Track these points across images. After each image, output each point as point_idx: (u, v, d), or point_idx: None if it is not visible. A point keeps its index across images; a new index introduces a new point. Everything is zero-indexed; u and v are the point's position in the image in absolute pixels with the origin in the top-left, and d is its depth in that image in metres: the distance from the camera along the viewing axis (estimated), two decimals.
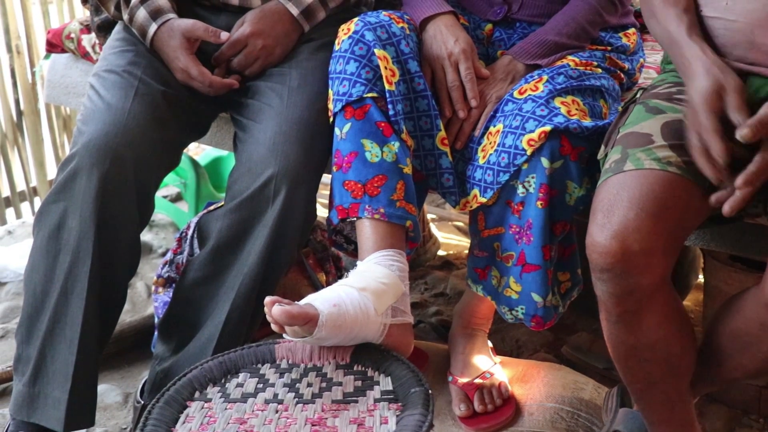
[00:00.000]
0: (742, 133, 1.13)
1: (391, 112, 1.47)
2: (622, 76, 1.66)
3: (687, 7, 1.33)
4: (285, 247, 1.52)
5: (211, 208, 1.67)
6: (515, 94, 1.49)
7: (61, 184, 1.49)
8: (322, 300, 1.29)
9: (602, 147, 1.37)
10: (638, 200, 1.19)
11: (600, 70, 1.57)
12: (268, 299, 1.24)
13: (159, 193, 2.67)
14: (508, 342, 2.12)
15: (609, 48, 1.66)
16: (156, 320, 1.87)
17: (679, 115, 1.30)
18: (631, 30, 1.73)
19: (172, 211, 2.70)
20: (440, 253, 2.63)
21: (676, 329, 1.27)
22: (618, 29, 1.71)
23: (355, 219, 1.45)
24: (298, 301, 1.29)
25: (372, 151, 1.45)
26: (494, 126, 1.48)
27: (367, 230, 1.44)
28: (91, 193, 1.46)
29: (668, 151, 1.24)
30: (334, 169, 1.50)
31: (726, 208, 1.14)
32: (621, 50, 1.68)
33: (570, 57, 1.58)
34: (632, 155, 1.25)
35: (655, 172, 1.22)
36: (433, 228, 2.70)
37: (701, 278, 2.26)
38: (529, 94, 1.46)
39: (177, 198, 2.85)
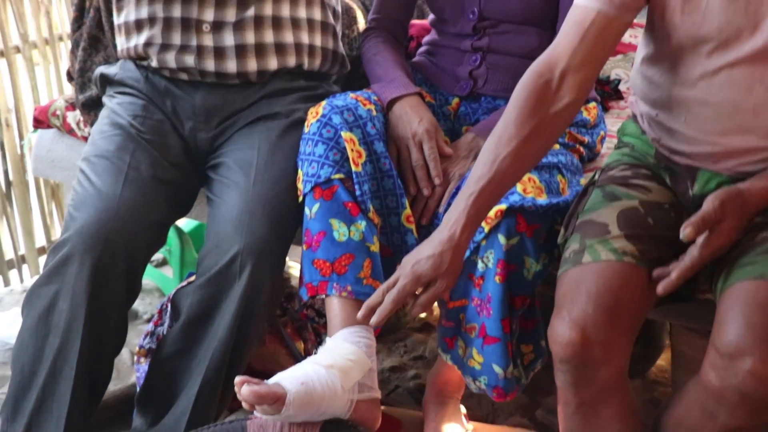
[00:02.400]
0: (684, 233, 1.22)
1: (357, 193, 1.54)
2: (582, 149, 1.74)
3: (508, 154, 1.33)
4: (253, 320, 1.57)
5: (184, 283, 1.72)
6: None
7: (53, 268, 1.55)
8: (290, 378, 1.34)
9: (562, 230, 1.44)
10: (596, 295, 1.26)
11: (558, 146, 1.64)
12: (237, 379, 1.30)
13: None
14: (485, 405, 2.16)
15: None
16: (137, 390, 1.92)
17: (634, 202, 1.37)
18: (592, 104, 1.80)
19: (158, 277, 2.76)
20: (421, 315, 2.68)
21: (630, 426, 1.32)
22: None
23: (324, 296, 1.51)
24: (278, 369, 1.35)
25: (340, 231, 1.52)
26: None
27: (335, 307, 1.50)
28: (84, 278, 1.52)
29: (624, 241, 1.32)
30: (304, 247, 1.56)
31: (659, 289, 1.23)
32: (581, 124, 1.76)
33: None
34: (590, 246, 1.32)
35: (612, 264, 1.29)
36: None
37: None
38: None
39: (162, 263, 2.91)
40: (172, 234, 2.61)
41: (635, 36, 2.44)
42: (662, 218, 1.37)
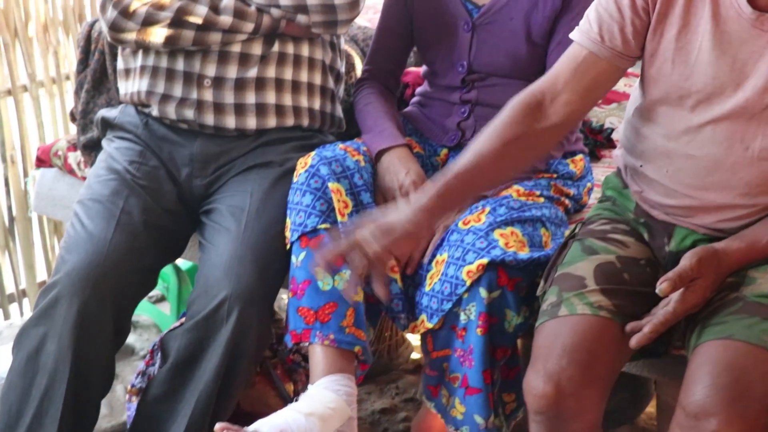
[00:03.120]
0: (660, 288, 1.26)
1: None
2: (567, 202, 1.77)
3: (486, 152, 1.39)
4: (240, 365, 1.60)
5: (177, 324, 1.75)
6: (460, 224, 1.59)
7: (42, 310, 1.59)
8: (269, 425, 1.37)
9: (542, 282, 1.47)
10: (571, 349, 1.29)
11: (542, 199, 1.68)
12: (217, 426, 1.33)
13: (150, 298, 2.76)
14: None
15: (555, 175, 1.76)
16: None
17: (611, 257, 1.41)
18: (579, 156, 1.84)
19: (155, 314, 2.79)
20: (413, 356, 2.70)
21: None
22: (567, 155, 1.82)
23: (307, 344, 1.54)
24: (266, 411, 1.38)
25: (324, 280, 1.55)
26: (441, 255, 1.58)
27: (317, 355, 1.53)
28: (71, 320, 1.56)
29: (600, 295, 1.35)
30: (290, 294, 1.59)
31: (632, 342, 1.28)
32: (567, 177, 1.79)
33: (515, 186, 1.69)
34: (566, 300, 1.35)
35: (587, 318, 1.32)
36: None
37: None
38: (472, 225, 1.56)
39: (160, 299, 2.94)
40: (169, 271, 2.64)
41: (629, 85, 2.48)
42: (638, 274, 1.40)
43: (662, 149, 1.41)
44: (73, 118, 2.26)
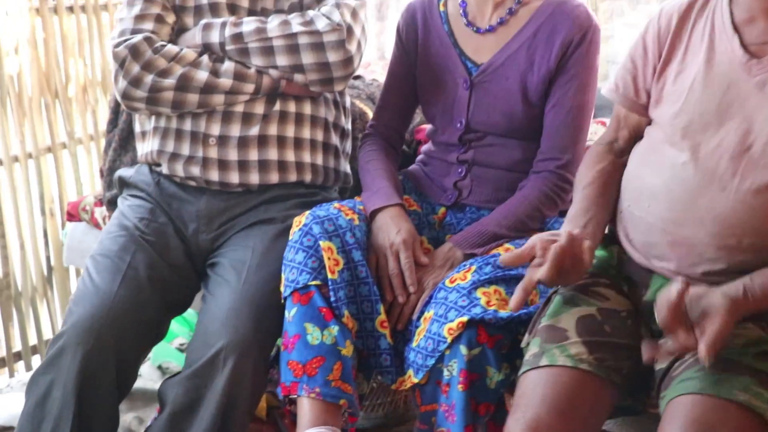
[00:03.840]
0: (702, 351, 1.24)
1: (332, 299, 1.63)
2: None
3: (588, 184, 1.53)
4: (236, 413, 1.66)
5: (173, 374, 1.82)
6: (447, 282, 1.63)
7: (50, 358, 1.68)
8: None
9: (527, 334, 1.51)
10: (550, 398, 1.32)
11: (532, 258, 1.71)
12: None
13: (172, 344, 2.85)
14: None
15: None
16: None
17: (592, 309, 1.44)
18: None
19: (181, 360, 2.89)
20: None
21: None
22: (562, 214, 1.85)
23: (295, 396, 1.60)
24: None
25: (313, 334, 1.61)
26: (428, 311, 1.63)
27: (304, 407, 1.58)
28: (75, 369, 1.64)
29: (581, 347, 1.38)
30: (282, 348, 1.66)
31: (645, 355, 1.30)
32: None
33: (506, 245, 1.73)
34: (548, 351, 1.39)
35: (567, 369, 1.36)
36: None
37: None
38: (457, 284, 1.61)
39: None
40: (194, 319, 2.74)
41: None
42: (619, 326, 1.43)
43: (648, 186, 1.45)
44: (102, 175, 2.39)
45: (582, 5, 1.79)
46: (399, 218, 1.75)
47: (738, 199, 1.34)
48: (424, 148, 2.04)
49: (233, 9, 1.87)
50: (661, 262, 1.44)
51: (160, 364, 2.77)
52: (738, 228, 1.34)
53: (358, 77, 2.78)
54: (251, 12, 1.88)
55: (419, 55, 1.91)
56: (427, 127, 2.05)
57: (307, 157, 1.91)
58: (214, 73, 1.80)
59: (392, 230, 1.72)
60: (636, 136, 1.55)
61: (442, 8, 1.88)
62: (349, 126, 2.08)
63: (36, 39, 2.73)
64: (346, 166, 2.06)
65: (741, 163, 1.34)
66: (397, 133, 2.01)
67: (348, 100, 2.09)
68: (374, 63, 3.24)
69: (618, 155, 1.58)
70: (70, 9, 2.83)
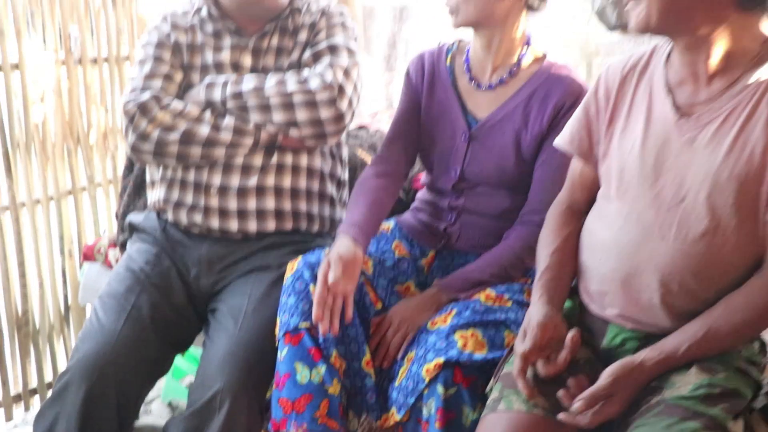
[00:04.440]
0: (575, 407, 1.39)
1: (321, 340, 1.74)
2: None
3: (555, 250, 1.62)
4: None
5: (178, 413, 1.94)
6: (429, 325, 1.74)
7: (56, 393, 1.80)
8: None
9: (492, 379, 1.60)
10: None
11: (510, 303, 1.80)
12: None
13: (182, 382, 2.96)
14: None
15: (529, 280, 1.89)
16: None
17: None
18: None
19: None
20: None
21: None
22: None
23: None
24: None
25: (302, 373, 1.71)
26: (411, 352, 1.73)
27: None
28: (78, 403, 1.76)
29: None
30: (274, 386, 1.76)
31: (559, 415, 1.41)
32: None
33: (488, 290, 1.83)
34: (506, 396, 1.48)
35: (522, 414, 1.45)
36: None
37: None
38: (438, 327, 1.71)
39: None
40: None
41: None
42: (576, 372, 1.51)
43: (599, 239, 1.56)
44: (117, 218, 2.53)
45: (576, 74, 1.91)
46: (340, 245, 1.79)
47: (676, 248, 1.43)
48: (419, 194, 2.15)
49: (236, 67, 2.01)
50: (614, 310, 1.53)
51: (169, 401, 2.87)
52: (678, 275, 1.43)
53: (362, 128, 2.92)
54: (253, 70, 2.01)
55: (424, 101, 2.02)
56: (423, 173, 2.16)
57: (303, 206, 2.03)
58: (216, 128, 1.93)
59: (331, 250, 1.79)
60: (592, 195, 1.64)
61: (448, 62, 2.01)
62: (345, 176, 2.20)
63: (61, 89, 2.88)
64: (342, 214, 2.17)
65: (677, 215, 1.43)
66: (401, 166, 2.05)
67: (345, 151, 2.21)
68: (382, 112, 3.37)
69: (579, 218, 1.66)
70: (94, 61, 2.99)
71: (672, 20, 1.38)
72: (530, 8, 1.91)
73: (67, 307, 3.05)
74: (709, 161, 1.39)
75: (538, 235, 1.84)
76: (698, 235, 1.42)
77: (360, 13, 3.72)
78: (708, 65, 1.41)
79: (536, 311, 1.54)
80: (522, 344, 1.50)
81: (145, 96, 1.94)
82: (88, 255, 2.58)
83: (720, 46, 1.39)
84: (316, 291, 1.72)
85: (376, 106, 3.59)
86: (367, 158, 2.52)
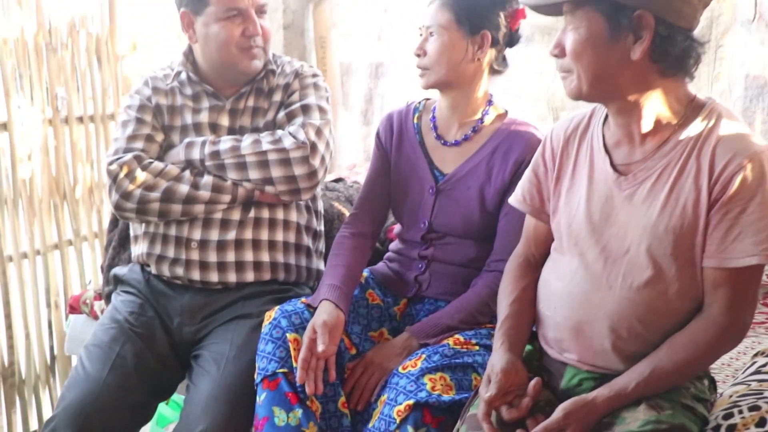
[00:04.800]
0: None
1: (297, 384, 1.83)
2: None
3: (513, 300, 1.72)
4: None
5: None
6: (400, 369, 1.83)
7: None
8: None
9: (458, 421, 1.69)
10: None
11: (478, 347, 1.89)
12: None
13: (167, 429, 3.02)
14: None
15: (495, 326, 1.99)
16: None
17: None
18: None
19: None
20: None
21: None
22: None
23: None
24: None
25: (279, 417, 1.80)
26: (383, 395, 1.81)
27: None
28: None
29: None
30: (254, 429, 1.84)
31: None
32: None
33: (456, 335, 1.92)
34: None
35: None
36: None
37: None
38: (408, 370, 1.80)
39: None
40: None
41: None
42: (536, 412, 1.59)
43: (553, 290, 1.66)
44: (102, 271, 2.62)
45: (535, 130, 2.04)
46: (322, 312, 1.89)
47: (623, 296, 1.54)
48: (391, 245, 2.26)
49: (214, 128, 2.13)
50: (570, 355, 1.63)
51: None
52: (626, 321, 1.54)
53: (339, 180, 3.03)
54: (231, 130, 2.13)
55: (393, 158, 2.14)
56: (396, 226, 2.28)
57: (280, 258, 2.13)
58: (195, 186, 2.04)
59: (316, 318, 1.88)
60: (547, 248, 1.75)
61: (416, 120, 2.14)
62: (321, 227, 2.31)
63: (48, 146, 3.00)
64: (318, 264, 2.28)
65: (622, 266, 1.54)
66: (375, 225, 2.18)
67: (320, 204, 2.32)
68: (360, 165, 3.50)
69: (535, 270, 1.76)
70: (80, 119, 3.11)
71: (601, 89, 1.50)
72: (494, 71, 2.05)
73: (53, 358, 3.12)
74: (647, 216, 1.51)
75: None
76: (642, 283, 1.52)
77: (337, 69, 3.87)
78: (640, 127, 1.53)
79: (498, 358, 1.64)
80: (486, 390, 1.59)
81: (128, 157, 2.06)
82: (74, 307, 2.67)
83: (649, 109, 1.51)
84: (300, 355, 1.81)
85: (353, 159, 3.72)
86: (344, 210, 2.63)
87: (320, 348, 1.80)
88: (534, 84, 3.18)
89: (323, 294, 1.94)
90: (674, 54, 1.47)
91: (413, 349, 1.92)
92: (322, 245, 2.31)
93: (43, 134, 2.97)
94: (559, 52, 1.53)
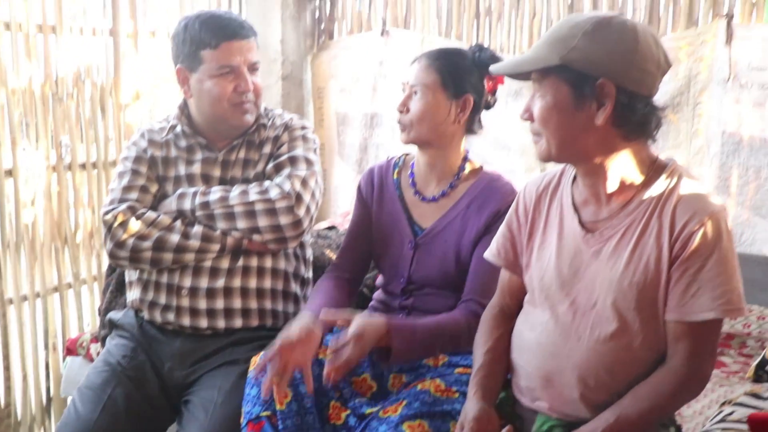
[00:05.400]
0: None
1: (281, 427, 1.88)
2: None
3: (488, 350, 1.79)
4: None
5: None
6: (380, 413, 1.89)
7: None
8: None
9: None
10: None
11: (457, 395, 1.94)
12: None
13: None
14: None
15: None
16: None
17: None
18: None
19: None
20: None
21: None
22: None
23: None
24: None
25: None
26: None
27: None
28: None
29: None
30: None
31: None
32: None
33: (437, 380, 1.98)
34: None
35: None
36: None
37: None
38: (389, 416, 1.86)
39: None
40: None
41: None
42: None
43: (525, 341, 1.74)
44: (99, 314, 2.70)
45: (509, 183, 2.13)
46: (301, 318, 1.96)
47: (590, 347, 1.61)
48: (375, 294, 2.33)
49: (206, 179, 2.22)
50: (541, 403, 1.70)
51: None
52: (594, 371, 1.61)
53: (332, 228, 3.12)
54: (222, 181, 2.23)
55: (374, 212, 2.24)
56: (379, 276, 2.36)
57: (268, 305, 2.21)
58: (185, 236, 2.13)
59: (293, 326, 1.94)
60: (521, 300, 1.82)
61: (396, 176, 2.23)
62: (309, 275, 2.39)
63: (51, 192, 3.09)
64: None
65: (590, 318, 1.62)
66: (355, 273, 2.28)
67: (309, 252, 2.40)
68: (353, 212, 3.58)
69: (510, 320, 1.83)
70: (83, 166, 3.22)
71: (568, 152, 1.60)
72: (471, 132, 2.15)
73: (49, 399, 3.18)
74: (613, 271, 1.59)
75: (472, 317, 1.99)
76: (608, 335, 1.60)
77: (334, 119, 3.98)
78: (606, 187, 1.62)
79: (471, 406, 1.71)
80: None
81: (122, 207, 2.15)
82: (71, 349, 2.74)
83: (614, 171, 1.60)
84: (267, 354, 1.85)
85: (348, 206, 3.80)
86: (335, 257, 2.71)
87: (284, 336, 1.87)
88: (522, 136, 3.27)
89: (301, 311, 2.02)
90: (635, 120, 1.56)
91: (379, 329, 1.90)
92: (309, 292, 2.39)
93: (46, 180, 3.06)
94: (528, 117, 1.62)
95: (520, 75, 1.64)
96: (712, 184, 2.95)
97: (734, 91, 2.88)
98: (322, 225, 3.33)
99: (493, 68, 1.70)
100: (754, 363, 2.40)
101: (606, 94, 1.52)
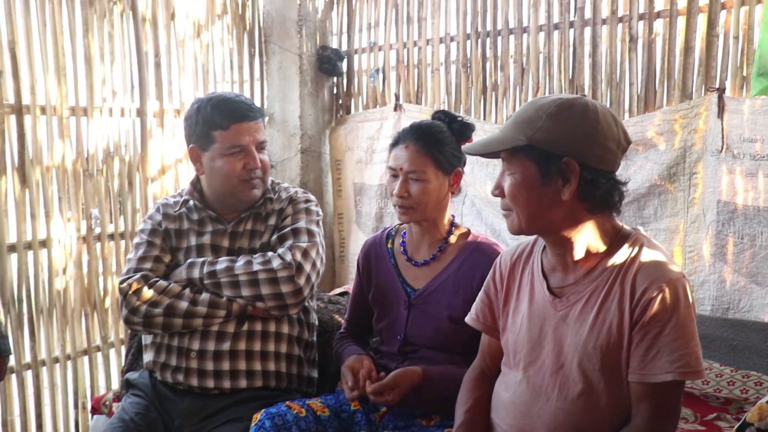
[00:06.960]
0: None
1: None
2: None
3: (468, 410, 1.91)
4: None
5: None
6: None
7: None
8: None
9: None
10: None
11: None
12: None
13: None
14: None
15: None
16: None
17: None
18: None
19: None
20: None
21: None
22: None
23: None
24: None
25: None
26: None
27: None
28: None
29: None
30: None
31: None
32: None
33: None
34: None
35: None
36: None
37: None
38: None
39: None
40: None
41: None
42: None
43: (501, 400, 1.85)
44: (122, 375, 2.86)
45: (496, 245, 2.27)
46: (354, 360, 2.21)
47: (559, 407, 1.71)
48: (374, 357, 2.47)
49: (216, 249, 2.40)
50: None
51: None
52: (562, 429, 1.70)
53: (344, 294, 3.26)
54: (230, 251, 2.40)
55: (372, 281, 2.39)
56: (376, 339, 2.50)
57: (271, 366, 2.35)
58: (193, 302, 2.30)
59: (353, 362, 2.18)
60: (500, 361, 1.93)
61: (389, 245, 2.39)
62: (313, 338, 2.53)
63: (81, 261, 3.30)
64: (310, 372, 2.49)
65: (558, 379, 1.72)
66: (362, 333, 2.48)
67: (313, 317, 2.55)
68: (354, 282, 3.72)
69: (490, 381, 1.94)
70: (111, 236, 3.42)
71: (537, 225, 1.72)
72: (452, 194, 2.31)
73: None
74: (578, 334, 1.69)
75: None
76: (575, 395, 1.70)
77: (351, 189, 4.16)
78: (572, 256, 1.73)
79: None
80: None
81: (136, 276, 2.33)
82: (96, 407, 2.90)
83: (580, 241, 1.72)
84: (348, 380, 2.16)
85: None
86: (342, 320, 2.85)
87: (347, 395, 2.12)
88: None
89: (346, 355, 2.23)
90: (599, 194, 1.67)
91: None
92: (314, 354, 2.53)
93: (77, 250, 3.27)
94: (499, 193, 1.75)
95: (491, 154, 1.76)
96: (709, 251, 3.01)
97: (727, 161, 2.96)
98: (336, 291, 3.47)
99: (466, 148, 1.84)
100: (736, 426, 2.46)
101: (571, 171, 1.64)
